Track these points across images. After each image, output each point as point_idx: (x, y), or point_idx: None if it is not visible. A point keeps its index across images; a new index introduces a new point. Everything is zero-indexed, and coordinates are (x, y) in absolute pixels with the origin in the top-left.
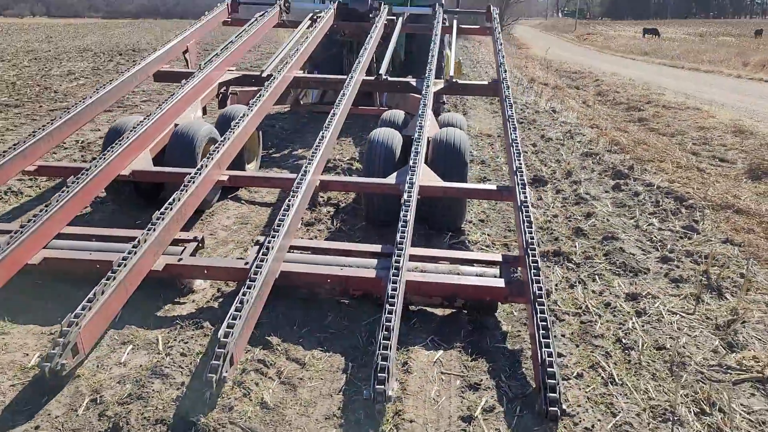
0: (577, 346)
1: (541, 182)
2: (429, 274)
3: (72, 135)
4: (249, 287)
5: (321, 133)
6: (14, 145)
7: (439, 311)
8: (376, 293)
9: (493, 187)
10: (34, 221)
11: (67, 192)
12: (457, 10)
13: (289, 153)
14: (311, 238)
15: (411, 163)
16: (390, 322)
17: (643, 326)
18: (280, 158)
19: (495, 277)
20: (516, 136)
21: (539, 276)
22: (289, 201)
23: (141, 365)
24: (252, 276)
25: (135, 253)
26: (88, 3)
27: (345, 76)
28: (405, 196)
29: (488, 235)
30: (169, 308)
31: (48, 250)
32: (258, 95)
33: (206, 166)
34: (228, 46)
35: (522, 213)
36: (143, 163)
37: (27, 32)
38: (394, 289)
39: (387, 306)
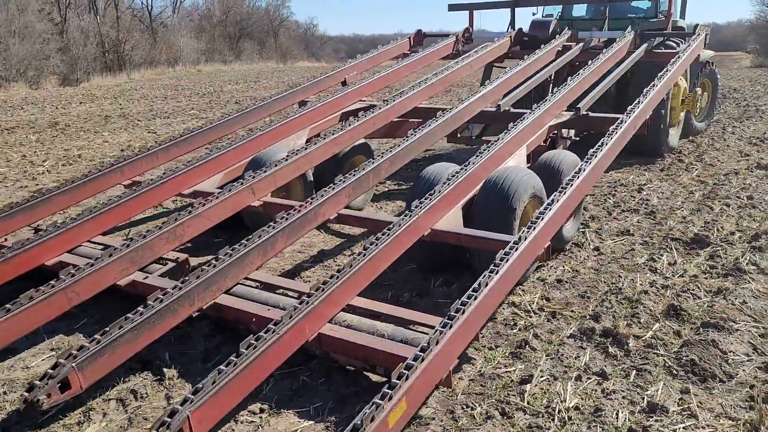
0: None
1: (700, 244)
2: (349, 330)
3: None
4: (135, 312)
5: (370, 161)
6: (118, 160)
7: (374, 377)
8: None
9: (512, 239)
10: (59, 228)
11: (106, 205)
12: (665, 32)
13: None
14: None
15: (417, 202)
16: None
17: None
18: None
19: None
20: (569, 187)
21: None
22: (267, 228)
23: (39, 373)
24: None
25: (91, 265)
26: None
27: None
28: (378, 235)
29: (546, 299)
30: None
31: (67, 255)
32: (344, 125)
33: (230, 190)
34: (371, 76)
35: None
36: (210, 184)
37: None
38: (275, 333)
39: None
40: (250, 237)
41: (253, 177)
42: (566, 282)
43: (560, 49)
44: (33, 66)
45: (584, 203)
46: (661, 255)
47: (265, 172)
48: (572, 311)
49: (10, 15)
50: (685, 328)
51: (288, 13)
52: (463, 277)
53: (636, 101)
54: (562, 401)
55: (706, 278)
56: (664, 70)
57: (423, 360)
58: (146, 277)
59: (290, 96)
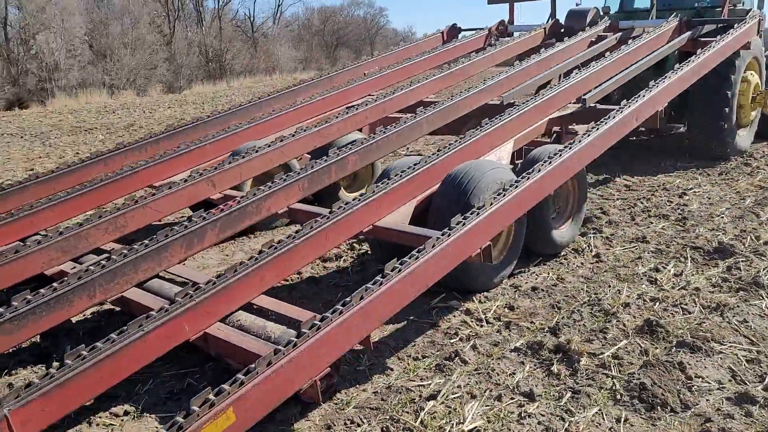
0: None
1: (722, 254)
2: (235, 331)
3: None
4: (23, 300)
5: (334, 153)
6: (103, 151)
7: None
8: None
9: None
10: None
11: (69, 194)
12: (713, 19)
13: None
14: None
15: (358, 196)
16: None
17: None
18: None
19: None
20: (513, 188)
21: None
22: (195, 218)
23: None
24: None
25: (17, 251)
26: None
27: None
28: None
29: (510, 308)
30: None
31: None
32: (332, 118)
33: (186, 181)
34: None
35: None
36: (186, 176)
37: None
38: (140, 329)
39: None
40: (173, 227)
41: (215, 168)
42: (542, 290)
43: (594, 39)
44: (142, 75)
45: (606, 207)
46: (669, 264)
47: (230, 163)
48: (532, 322)
49: (124, 28)
50: (656, 347)
51: (385, 21)
52: None
53: (639, 94)
54: (459, 423)
55: (711, 292)
56: (690, 58)
57: (270, 365)
58: (74, 267)
59: (302, 90)
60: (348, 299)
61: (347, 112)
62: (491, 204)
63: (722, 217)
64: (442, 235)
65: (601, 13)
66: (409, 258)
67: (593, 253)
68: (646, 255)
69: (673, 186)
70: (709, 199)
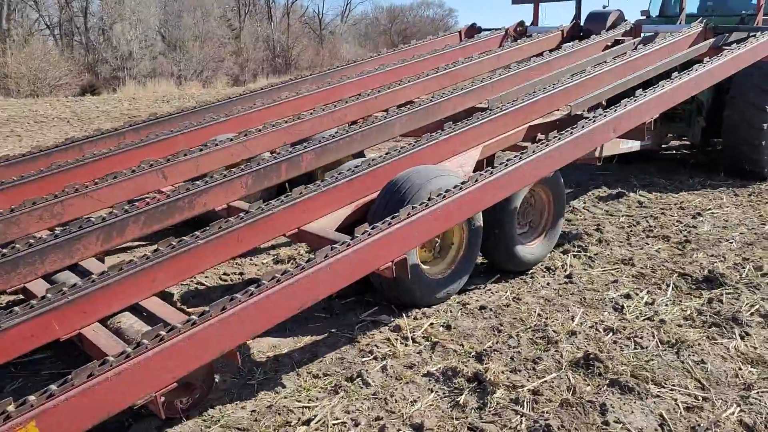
0: None
1: (710, 284)
2: (107, 335)
3: None
4: None
5: (286, 150)
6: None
7: None
8: None
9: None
10: None
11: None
12: (740, 26)
13: None
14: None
15: (284, 196)
16: None
17: None
18: None
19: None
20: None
21: None
22: (117, 210)
23: None
24: None
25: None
26: None
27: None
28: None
29: (446, 327)
30: None
31: None
32: (307, 114)
33: (134, 171)
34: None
35: None
36: None
37: None
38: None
39: None
40: (90, 218)
41: (168, 160)
42: (491, 310)
43: (610, 44)
44: (209, 67)
45: (603, 224)
46: (643, 291)
47: (185, 156)
48: (461, 345)
49: (195, 20)
50: (588, 384)
51: (453, 22)
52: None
53: (621, 102)
54: None
55: (678, 325)
56: (694, 67)
57: (91, 377)
58: None
59: (294, 85)
60: (207, 309)
61: (323, 109)
62: (408, 214)
63: (730, 243)
64: (341, 244)
65: (642, 18)
66: (295, 267)
67: (566, 273)
68: (624, 279)
69: (690, 205)
70: (725, 221)
